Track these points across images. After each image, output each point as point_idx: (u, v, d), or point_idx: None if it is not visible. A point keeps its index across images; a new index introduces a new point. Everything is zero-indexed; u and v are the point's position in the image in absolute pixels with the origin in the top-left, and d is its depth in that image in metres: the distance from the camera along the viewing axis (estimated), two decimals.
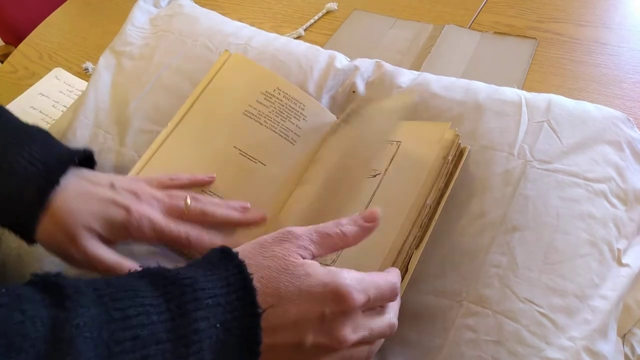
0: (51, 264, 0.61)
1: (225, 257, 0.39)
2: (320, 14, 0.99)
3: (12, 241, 0.64)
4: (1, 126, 0.53)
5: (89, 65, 0.94)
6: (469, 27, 0.92)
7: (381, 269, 0.51)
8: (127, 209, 0.51)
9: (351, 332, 0.40)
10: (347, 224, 0.44)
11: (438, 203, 0.56)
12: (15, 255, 0.63)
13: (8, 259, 0.63)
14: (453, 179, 0.57)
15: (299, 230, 0.42)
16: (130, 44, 0.77)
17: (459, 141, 0.58)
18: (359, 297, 0.39)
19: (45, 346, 0.30)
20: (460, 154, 0.58)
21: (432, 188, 0.55)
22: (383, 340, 0.45)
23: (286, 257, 0.40)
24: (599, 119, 0.60)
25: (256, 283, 0.38)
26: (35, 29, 1.07)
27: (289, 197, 0.63)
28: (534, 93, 0.64)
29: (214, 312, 0.36)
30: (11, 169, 0.49)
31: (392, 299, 0.44)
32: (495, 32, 0.89)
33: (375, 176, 0.57)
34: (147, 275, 0.37)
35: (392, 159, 0.58)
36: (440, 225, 0.55)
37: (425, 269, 0.53)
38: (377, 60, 0.74)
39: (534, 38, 0.87)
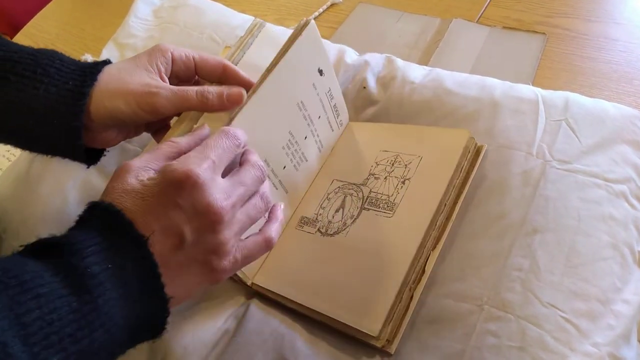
0: None
1: (91, 207, 0.39)
2: (324, 7, 0.97)
3: (14, 240, 0.63)
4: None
5: (88, 57, 0.92)
6: (476, 22, 0.90)
7: (406, 277, 0.50)
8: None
9: (221, 196, 0.40)
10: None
11: (455, 203, 0.55)
12: None
13: None
14: (470, 178, 0.56)
15: (132, 161, 0.42)
16: (134, 36, 0.75)
17: (475, 140, 0.57)
18: (198, 168, 0.40)
19: None
20: (476, 152, 0.57)
21: (448, 187, 0.54)
22: (266, 185, 0.47)
23: (126, 184, 0.40)
24: (617, 118, 0.58)
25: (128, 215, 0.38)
26: (32, 20, 1.04)
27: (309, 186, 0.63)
28: (550, 90, 0.63)
29: (102, 257, 0.36)
30: (45, 72, 0.49)
31: (238, 144, 0.44)
32: (504, 27, 0.88)
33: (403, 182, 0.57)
34: (28, 251, 0.37)
35: (417, 168, 0.57)
36: (458, 226, 0.54)
37: (444, 271, 0.52)
38: (387, 55, 0.72)
39: (543, 33, 0.85)
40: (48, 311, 0.33)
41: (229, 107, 0.50)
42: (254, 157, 0.46)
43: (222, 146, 0.43)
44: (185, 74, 0.55)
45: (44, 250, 0.36)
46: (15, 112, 0.48)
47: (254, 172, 0.45)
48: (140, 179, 0.40)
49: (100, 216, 0.38)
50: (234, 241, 0.43)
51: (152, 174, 0.41)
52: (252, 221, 0.45)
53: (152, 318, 0.39)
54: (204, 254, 0.41)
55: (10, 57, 0.49)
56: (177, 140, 0.45)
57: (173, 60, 0.53)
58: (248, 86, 0.52)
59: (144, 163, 0.42)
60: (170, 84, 0.52)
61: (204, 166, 0.40)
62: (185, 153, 0.44)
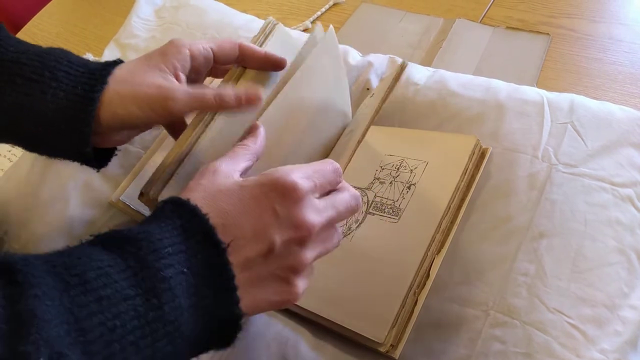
0: None
1: (176, 205, 0.38)
2: (327, 6, 0.96)
3: (15, 242, 0.62)
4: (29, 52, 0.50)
5: (89, 56, 0.91)
6: (480, 22, 0.90)
7: (411, 284, 0.50)
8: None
9: (315, 215, 0.39)
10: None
11: (460, 206, 0.54)
12: None
13: None
14: (475, 181, 0.55)
15: (217, 163, 0.42)
16: (136, 36, 0.74)
17: (480, 143, 0.56)
18: (303, 183, 0.39)
19: (7, 325, 0.29)
20: (481, 155, 0.57)
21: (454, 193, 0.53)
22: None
23: (220, 184, 0.40)
24: (623, 121, 0.58)
25: (212, 220, 0.37)
26: (33, 18, 1.04)
27: None
28: (555, 92, 0.62)
29: (177, 259, 0.34)
30: (53, 75, 0.47)
31: (338, 182, 0.43)
32: (507, 27, 0.87)
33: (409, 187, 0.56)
34: (99, 241, 0.35)
35: (422, 173, 0.56)
36: (463, 230, 0.54)
37: (449, 275, 0.52)
38: (390, 55, 0.72)
39: (547, 34, 0.85)
40: (111, 316, 0.31)
41: (246, 108, 0.49)
42: (352, 189, 0.45)
43: (325, 176, 0.42)
44: (205, 67, 0.53)
45: (117, 241, 0.35)
46: (23, 115, 0.47)
47: (351, 201, 0.43)
48: (235, 181, 0.40)
49: (183, 216, 0.37)
50: (310, 266, 0.41)
51: (243, 178, 0.41)
52: (326, 251, 0.43)
53: (221, 331, 0.37)
54: (285, 270, 0.39)
55: (17, 58, 0.47)
56: (247, 143, 0.45)
57: (192, 56, 0.51)
58: (266, 62, 0.52)
59: (230, 166, 0.42)
60: (188, 78, 0.51)
61: (308, 184, 0.40)
62: (259, 154, 0.45)
